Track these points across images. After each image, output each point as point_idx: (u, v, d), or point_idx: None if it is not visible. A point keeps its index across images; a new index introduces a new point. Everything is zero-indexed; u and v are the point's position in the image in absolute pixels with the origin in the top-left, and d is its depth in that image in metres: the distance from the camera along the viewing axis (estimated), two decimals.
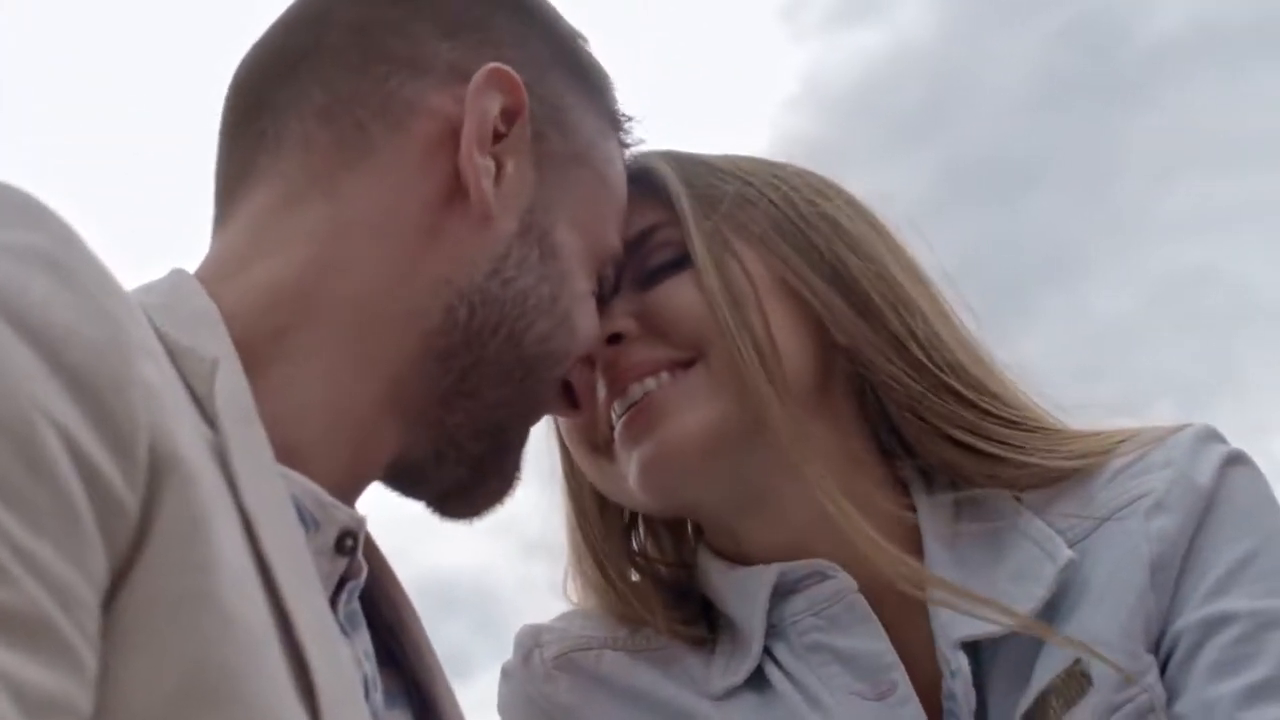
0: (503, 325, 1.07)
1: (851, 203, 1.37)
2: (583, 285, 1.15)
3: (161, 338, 0.83)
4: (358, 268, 1.01)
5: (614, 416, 1.29)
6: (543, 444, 1.43)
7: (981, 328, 1.37)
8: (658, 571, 1.43)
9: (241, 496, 0.80)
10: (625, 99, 1.24)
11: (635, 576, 1.41)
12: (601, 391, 1.29)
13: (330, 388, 1.00)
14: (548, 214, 1.11)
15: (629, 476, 1.28)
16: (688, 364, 1.27)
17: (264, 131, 1.07)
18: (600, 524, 1.41)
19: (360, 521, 0.99)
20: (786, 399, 1.24)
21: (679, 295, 1.28)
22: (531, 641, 1.38)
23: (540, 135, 1.11)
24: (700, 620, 1.37)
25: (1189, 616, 1.20)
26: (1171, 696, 1.19)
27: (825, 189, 1.37)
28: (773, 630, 1.30)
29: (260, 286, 0.99)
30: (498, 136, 1.07)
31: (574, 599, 1.43)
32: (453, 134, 1.05)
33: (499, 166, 1.07)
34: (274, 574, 0.78)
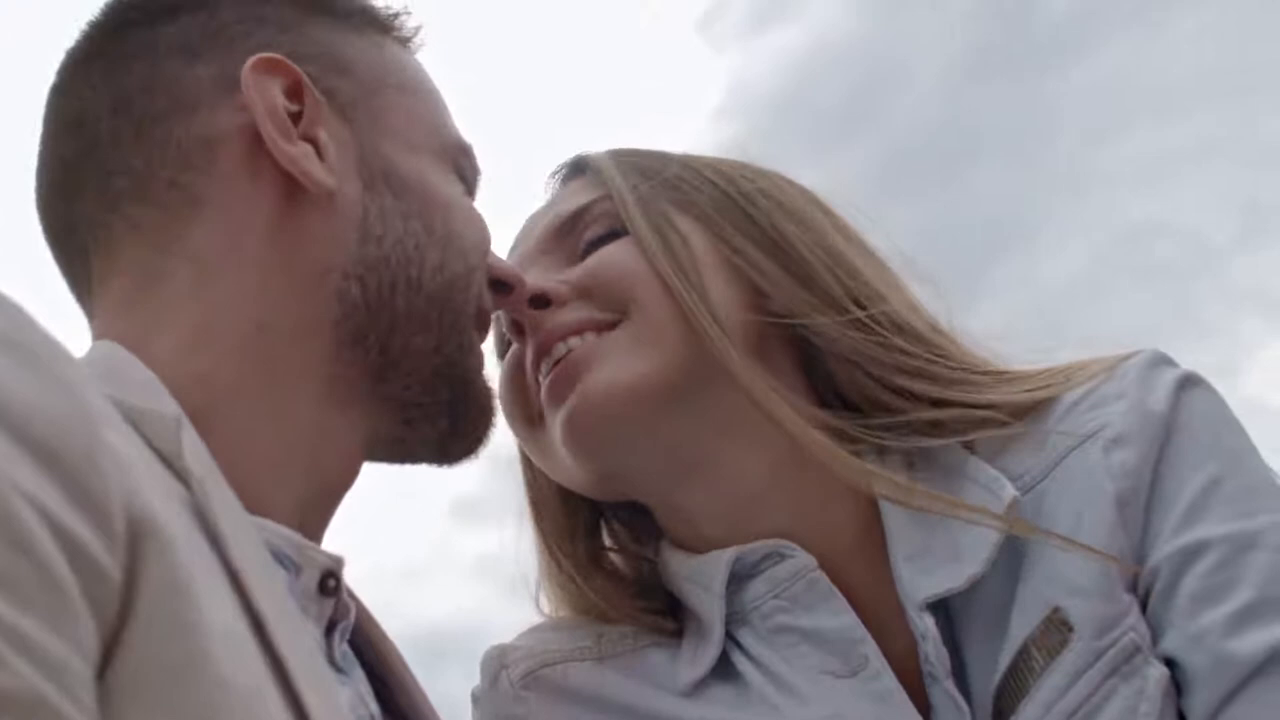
0: (397, 280, 1.07)
1: (790, 180, 1.38)
2: (446, 191, 1.14)
3: (116, 404, 0.82)
4: (241, 302, 1.02)
5: (540, 379, 1.29)
6: (515, 482, 1.43)
7: (940, 298, 1.37)
8: (620, 565, 1.41)
9: (227, 551, 0.79)
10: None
11: (593, 570, 1.39)
12: (530, 358, 1.30)
13: (270, 418, 1.00)
14: (379, 154, 1.10)
15: (557, 438, 1.27)
16: (612, 325, 1.27)
17: (85, 246, 1.07)
18: (561, 515, 1.40)
19: (339, 561, 1.00)
20: (738, 344, 1.24)
21: (611, 256, 1.29)
22: (498, 663, 1.36)
23: (330, 90, 1.10)
24: (668, 615, 1.36)
25: (1163, 549, 1.18)
26: (1156, 634, 1.17)
27: (764, 170, 1.39)
28: (737, 617, 1.29)
29: (167, 357, 0.98)
30: (296, 117, 1.06)
31: (545, 609, 1.41)
32: (256, 139, 1.04)
33: (314, 141, 1.06)
34: (266, 626, 0.78)
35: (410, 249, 1.08)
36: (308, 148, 1.05)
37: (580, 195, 1.36)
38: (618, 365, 1.24)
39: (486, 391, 1.17)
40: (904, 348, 1.28)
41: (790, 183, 1.38)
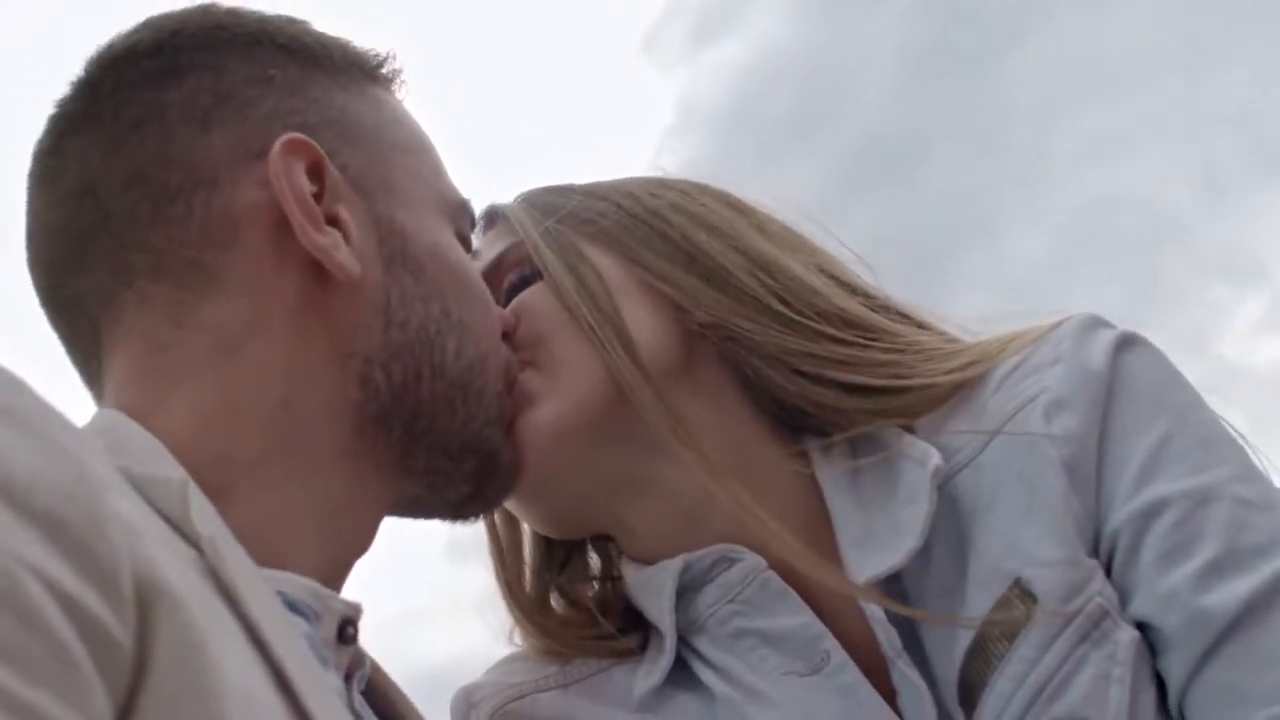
0: (422, 366, 1.07)
1: (698, 186, 1.38)
2: (455, 261, 1.13)
3: (121, 471, 0.81)
4: (265, 378, 1.00)
5: None
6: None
7: (877, 277, 1.37)
8: (590, 595, 1.41)
9: (243, 607, 0.80)
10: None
11: (558, 604, 1.40)
12: None
13: (291, 493, 0.99)
14: (394, 228, 1.09)
15: None
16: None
17: (95, 318, 1.04)
18: (543, 554, 1.40)
19: (358, 609, 1.00)
20: (662, 370, 1.24)
21: (524, 303, 1.29)
22: (465, 704, 1.35)
23: (344, 165, 1.08)
24: (634, 632, 1.35)
25: (1121, 512, 1.18)
26: (1124, 598, 1.17)
27: (669, 181, 1.39)
28: (694, 627, 1.28)
29: (181, 426, 0.97)
30: (316, 196, 1.04)
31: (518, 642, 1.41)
32: (281, 220, 1.02)
33: (337, 221, 1.05)
34: (289, 678, 0.78)
35: (432, 334, 1.07)
36: (337, 235, 1.04)
37: (495, 245, 1.36)
38: (530, 417, 1.23)
39: (511, 458, 1.19)
40: (835, 335, 1.27)
41: (702, 189, 1.38)
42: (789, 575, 1.25)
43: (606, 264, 1.29)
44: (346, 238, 1.05)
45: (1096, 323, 1.28)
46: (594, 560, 1.44)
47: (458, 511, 1.19)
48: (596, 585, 1.42)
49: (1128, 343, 1.25)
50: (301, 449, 1.01)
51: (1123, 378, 1.22)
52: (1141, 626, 1.16)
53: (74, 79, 1.08)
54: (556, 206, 1.34)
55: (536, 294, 1.29)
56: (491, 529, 1.40)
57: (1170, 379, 1.25)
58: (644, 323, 1.27)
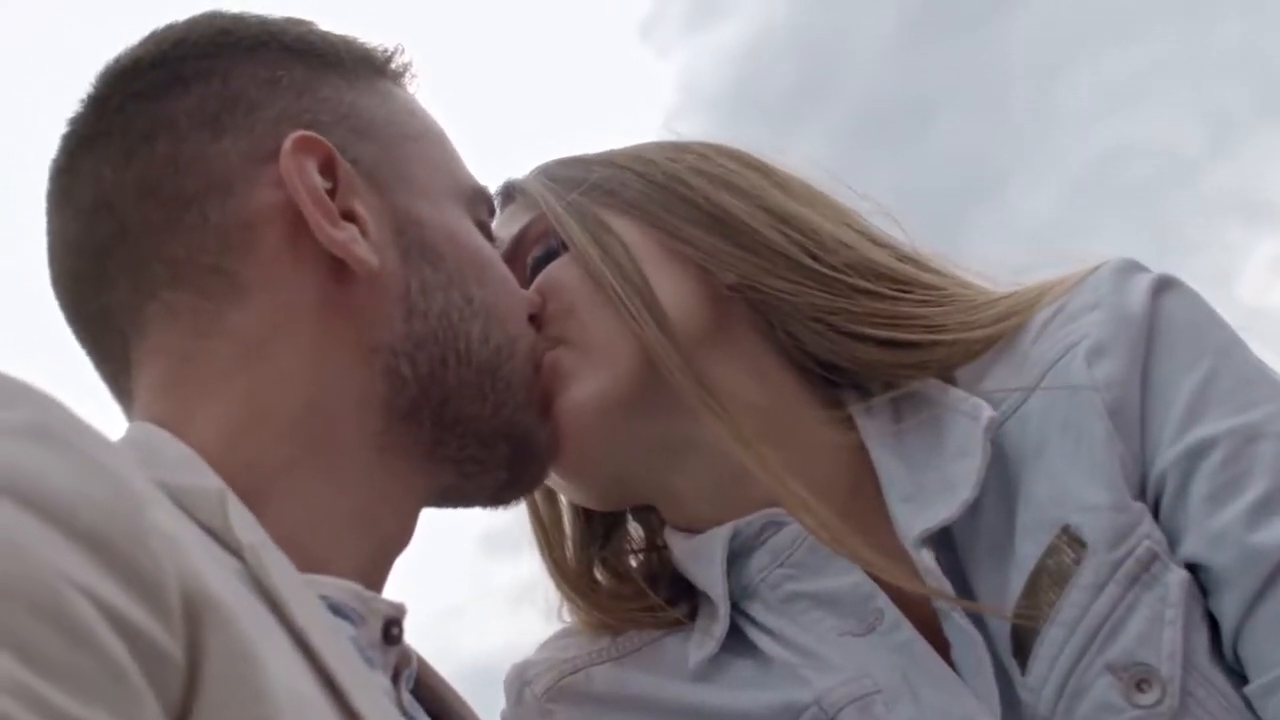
0: (447, 354, 1.07)
1: (716, 148, 1.37)
2: (475, 247, 1.13)
3: (159, 484, 0.82)
4: (290, 382, 1.00)
5: None
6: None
7: (903, 230, 1.36)
8: (635, 567, 1.41)
9: (289, 614, 0.80)
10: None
11: (604, 577, 1.40)
12: None
13: (323, 493, 1.00)
14: (410, 218, 1.09)
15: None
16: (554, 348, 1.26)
17: (122, 330, 1.04)
18: (582, 529, 1.40)
19: (401, 609, 1.00)
20: (680, 348, 1.23)
21: (551, 277, 1.29)
22: (520, 681, 1.35)
23: (355, 159, 1.08)
24: (683, 602, 1.34)
25: (1167, 454, 1.17)
26: (1174, 540, 1.16)
27: (686, 144, 1.38)
28: (746, 592, 1.27)
29: (211, 436, 0.97)
30: (330, 192, 1.04)
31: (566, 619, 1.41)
32: (297, 220, 1.03)
33: (352, 216, 1.05)
34: (338, 682, 0.79)
35: (455, 321, 1.07)
36: (353, 229, 1.04)
37: (516, 220, 1.35)
38: (572, 392, 1.23)
39: (547, 440, 1.19)
40: (867, 288, 1.27)
41: (720, 149, 1.37)
42: None
43: (631, 233, 1.29)
44: (363, 231, 1.05)
45: (1132, 267, 1.27)
46: (636, 531, 1.44)
47: (496, 498, 1.19)
48: (640, 557, 1.43)
49: (1165, 285, 1.24)
50: (332, 449, 1.01)
51: (1162, 320, 1.22)
52: (1193, 568, 1.15)
53: (83, 96, 1.09)
54: (576, 179, 1.33)
55: (562, 268, 1.29)
56: (532, 507, 1.40)
57: (1209, 320, 1.24)
58: (671, 290, 1.26)
